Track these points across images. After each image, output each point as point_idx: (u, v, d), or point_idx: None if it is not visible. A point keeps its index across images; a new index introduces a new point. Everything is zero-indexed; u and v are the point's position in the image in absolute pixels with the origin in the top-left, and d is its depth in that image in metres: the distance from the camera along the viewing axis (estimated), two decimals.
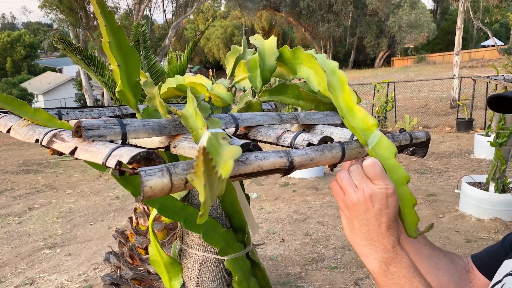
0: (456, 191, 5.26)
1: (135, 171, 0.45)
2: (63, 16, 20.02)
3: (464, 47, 29.30)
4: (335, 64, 0.76)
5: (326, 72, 0.73)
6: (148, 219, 2.61)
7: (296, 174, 6.30)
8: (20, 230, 5.40)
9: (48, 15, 20.43)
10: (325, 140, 0.63)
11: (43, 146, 0.65)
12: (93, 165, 0.74)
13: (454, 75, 13.73)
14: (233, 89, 1.02)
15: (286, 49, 0.86)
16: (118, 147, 0.49)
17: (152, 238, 0.84)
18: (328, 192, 5.62)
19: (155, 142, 0.65)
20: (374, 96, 11.29)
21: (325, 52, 33.58)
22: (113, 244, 4.57)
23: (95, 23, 21.70)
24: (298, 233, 4.23)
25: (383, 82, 10.85)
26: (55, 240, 4.96)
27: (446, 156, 7.66)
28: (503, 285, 0.75)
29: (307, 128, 0.79)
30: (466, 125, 9.89)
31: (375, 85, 10.98)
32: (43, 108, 0.76)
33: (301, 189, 5.79)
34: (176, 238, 2.63)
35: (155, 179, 0.44)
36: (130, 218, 2.79)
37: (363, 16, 35.00)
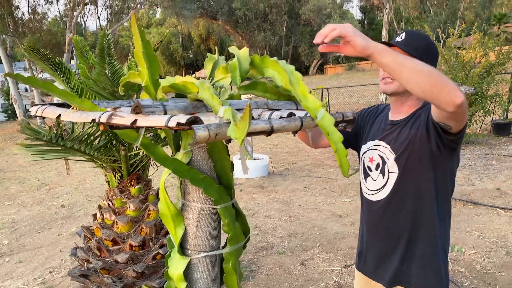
0: None
1: (190, 127, 0.77)
2: None
3: None
4: (292, 67, 1.12)
5: (287, 72, 1.08)
6: (113, 213, 2.82)
7: (242, 175, 6.65)
8: None
9: None
10: (291, 114, 0.98)
11: (100, 123, 0.93)
12: (127, 137, 1.03)
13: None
14: (214, 86, 1.34)
15: (256, 57, 1.20)
16: (172, 115, 0.80)
17: (163, 195, 1.13)
18: (273, 190, 6.03)
19: None
20: None
21: None
22: (66, 249, 4.62)
23: (24, 29, 20.69)
24: None
25: (317, 89, 11.57)
26: (2, 250, 4.87)
27: None
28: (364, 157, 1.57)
29: (276, 111, 1.13)
30: None
31: (310, 91, 11.69)
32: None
33: (248, 188, 6.15)
34: (141, 230, 2.86)
35: (201, 131, 0.76)
36: (94, 214, 2.96)
37: (297, 25, 36.45)
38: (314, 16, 33.34)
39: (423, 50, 1.39)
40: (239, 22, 34.73)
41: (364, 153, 1.58)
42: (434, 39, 9.19)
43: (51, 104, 1.12)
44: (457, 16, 37.23)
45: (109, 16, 24.13)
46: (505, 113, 9.87)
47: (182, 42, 43.69)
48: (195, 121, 0.78)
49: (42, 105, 1.10)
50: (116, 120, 0.89)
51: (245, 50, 1.22)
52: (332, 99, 15.19)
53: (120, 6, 23.07)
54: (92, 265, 2.75)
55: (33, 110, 1.08)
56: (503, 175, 6.16)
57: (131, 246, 2.75)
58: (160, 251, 2.75)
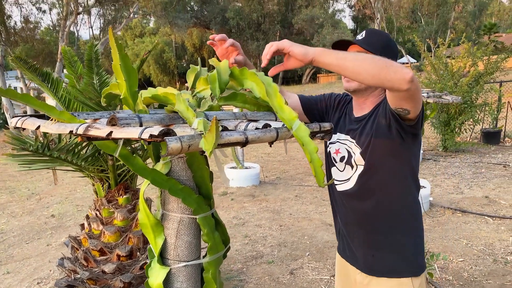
0: None
1: (162, 139, 0.78)
2: None
3: None
4: (270, 78, 1.14)
5: (264, 84, 1.11)
6: (101, 223, 2.82)
7: (233, 184, 6.65)
8: None
9: None
10: (266, 125, 0.99)
11: (77, 134, 0.94)
12: (106, 148, 1.04)
13: None
14: (195, 97, 1.36)
15: (235, 69, 1.22)
16: (146, 127, 0.81)
17: (142, 205, 1.14)
18: (264, 198, 6.04)
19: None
20: None
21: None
22: (55, 260, 4.57)
23: (16, 38, 20.64)
24: (238, 236, 4.57)
25: None
26: None
27: None
28: (329, 151, 1.63)
29: (253, 122, 1.15)
30: None
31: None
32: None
33: (239, 197, 6.15)
34: (129, 240, 2.86)
35: (174, 143, 0.77)
36: (82, 224, 2.95)
37: (290, 35, 36.68)
38: (306, 26, 33.66)
39: (384, 47, 1.45)
40: (233, 31, 34.91)
41: (332, 143, 1.63)
42: (425, 49, 9.31)
43: (31, 116, 1.13)
44: (448, 26, 37.76)
45: (102, 25, 24.17)
46: (495, 122, 9.99)
47: (176, 51, 43.81)
48: (168, 133, 0.80)
49: (22, 116, 1.12)
50: (92, 132, 0.90)
51: (225, 62, 1.24)
52: None
53: (113, 16, 23.13)
54: (79, 276, 2.73)
55: (13, 122, 1.09)
56: (492, 183, 6.22)
57: (118, 256, 2.74)
58: (148, 261, 2.74)
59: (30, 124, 1.06)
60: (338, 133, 1.61)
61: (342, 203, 1.59)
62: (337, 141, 1.60)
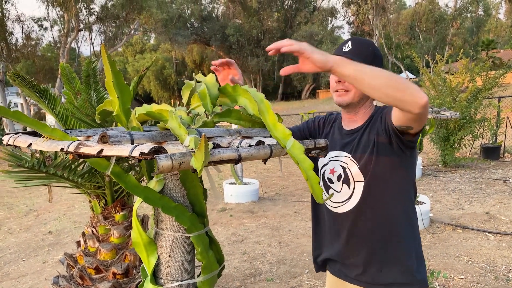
0: None
1: (153, 157, 0.77)
2: None
3: None
4: (262, 95, 1.13)
5: (257, 101, 1.10)
6: (97, 240, 2.79)
7: (232, 200, 6.61)
8: None
9: None
10: (260, 143, 0.98)
11: (68, 152, 0.94)
12: (98, 165, 1.03)
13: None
14: (190, 113, 1.36)
15: (228, 85, 1.22)
16: (137, 145, 0.80)
17: (135, 224, 1.13)
18: (263, 215, 5.99)
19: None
20: None
21: (255, 85, 35.18)
22: (51, 278, 4.51)
23: (17, 54, 20.81)
24: (237, 253, 4.52)
25: (309, 113, 11.67)
26: None
27: None
28: (324, 171, 1.56)
29: (247, 139, 1.14)
30: None
31: (302, 115, 11.78)
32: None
33: (237, 213, 6.11)
34: (125, 258, 2.83)
35: (164, 161, 0.76)
36: (78, 242, 2.92)
37: None
38: (306, 42, 34.02)
39: (372, 56, 1.43)
40: (233, 47, 35.24)
41: (325, 164, 1.56)
42: (423, 64, 9.37)
43: (23, 133, 1.12)
44: (446, 42, 38.15)
45: (103, 41, 24.38)
46: (494, 137, 9.99)
47: (176, 67, 44.13)
48: (159, 150, 0.79)
49: (14, 134, 1.11)
50: (83, 150, 0.89)
51: (211, 77, 1.24)
52: None
53: (114, 32, 23.37)
54: None
55: (5, 139, 1.09)
56: (492, 199, 6.18)
57: (114, 274, 2.70)
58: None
59: (22, 141, 1.05)
60: (329, 152, 1.56)
61: (341, 224, 1.53)
62: (330, 161, 1.54)
